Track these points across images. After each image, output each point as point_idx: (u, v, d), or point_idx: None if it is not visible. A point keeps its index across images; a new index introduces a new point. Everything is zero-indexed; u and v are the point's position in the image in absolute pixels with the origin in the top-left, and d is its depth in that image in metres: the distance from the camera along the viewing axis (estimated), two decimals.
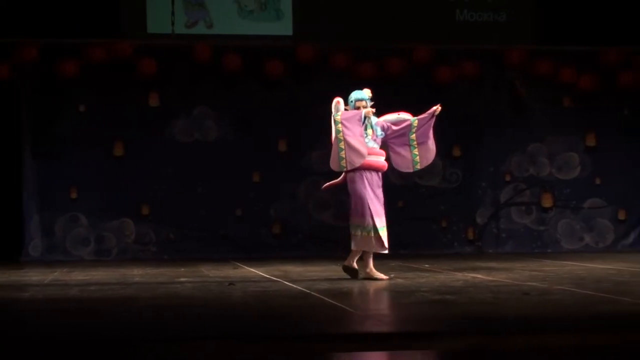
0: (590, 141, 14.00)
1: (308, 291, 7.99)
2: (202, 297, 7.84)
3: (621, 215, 13.97)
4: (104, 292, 8.30)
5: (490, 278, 9.12)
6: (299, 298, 7.61)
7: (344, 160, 9.04)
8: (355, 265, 9.22)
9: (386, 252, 9.18)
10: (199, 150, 13.28)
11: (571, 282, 8.49)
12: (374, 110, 9.25)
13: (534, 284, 8.40)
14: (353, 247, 9.19)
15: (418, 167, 9.40)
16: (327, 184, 9.53)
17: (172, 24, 13.28)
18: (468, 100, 13.77)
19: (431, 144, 9.37)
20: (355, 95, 9.27)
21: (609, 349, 5.22)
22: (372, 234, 9.06)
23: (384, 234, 9.07)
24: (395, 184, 13.59)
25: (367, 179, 9.12)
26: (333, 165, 9.14)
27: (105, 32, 13.13)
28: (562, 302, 7.07)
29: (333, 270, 10.45)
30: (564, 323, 6.04)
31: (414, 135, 9.27)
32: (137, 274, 10.24)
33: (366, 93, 9.28)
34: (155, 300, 7.61)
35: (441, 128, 13.32)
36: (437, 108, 9.30)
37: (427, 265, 10.77)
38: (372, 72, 13.28)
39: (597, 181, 13.99)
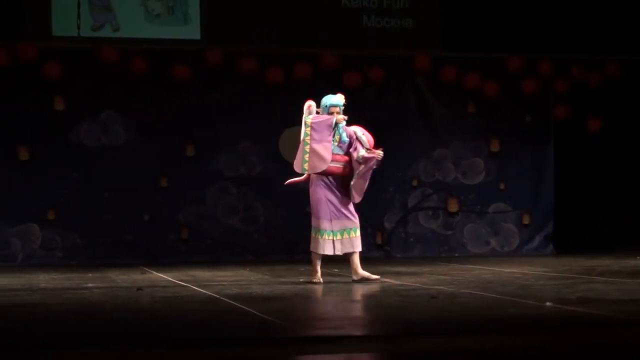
0: (495, 147, 14.22)
1: (217, 296, 7.97)
2: (110, 302, 7.76)
3: (525, 220, 14.21)
4: (8, 298, 8.16)
5: (398, 282, 9.20)
6: (208, 303, 7.59)
7: (307, 164, 9.15)
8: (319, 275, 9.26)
9: (330, 254, 9.18)
10: (105, 155, 13.14)
11: (478, 285, 8.61)
12: (346, 117, 9.25)
13: (441, 287, 8.50)
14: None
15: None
16: (290, 180, 9.51)
17: (78, 27, 13.13)
18: (375, 105, 13.87)
19: (363, 183, 9.32)
20: (329, 100, 9.28)
21: (515, 351, 5.31)
22: (319, 236, 9.13)
23: (330, 237, 9.12)
24: (304, 190, 13.61)
25: (326, 183, 9.18)
26: (297, 166, 9.24)
27: (9, 34, 12.92)
28: (469, 305, 7.16)
29: (242, 275, 10.45)
30: (471, 326, 6.13)
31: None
32: (43, 279, 10.08)
33: (340, 99, 9.29)
34: (62, 306, 7.51)
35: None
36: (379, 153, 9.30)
37: (336, 270, 10.80)
38: (280, 77, 13.33)
39: (502, 186, 14.21)
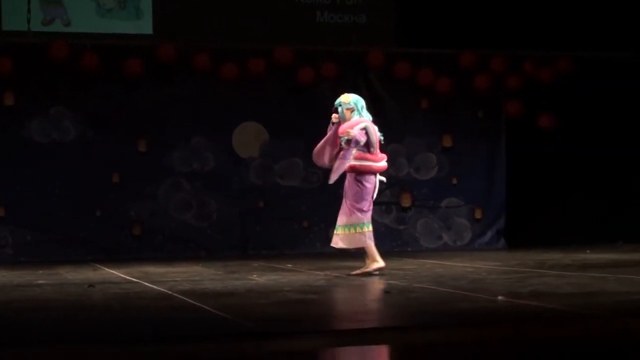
0: (447, 142, 14.28)
1: (170, 292, 7.93)
2: (61, 299, 7.69)
3: (477, 214, 14.30)
4: None
5: (352, 277, 9.20)
6: (160, 299, 7.54)
7: None
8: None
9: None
10: (56, 151, 13.01)
11: (430, 280, 8.63)
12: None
13: (394, 282, 8.51)
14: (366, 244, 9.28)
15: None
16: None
17: (28, 21, 13.00)
18: (328, 101, 13.82)
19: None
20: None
21: (468, 345, 5.33)
22: (370, 229, 9.33)
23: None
24: (256, 184, 13.63)
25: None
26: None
27: None
28: (422, 299, 7.18)
29: (195, 271, 10.40)
30: (424, 320, 6.15)
31: None
32: None
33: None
34: (13, 304, 7.43)
35: (301, 129, 13.49)
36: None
37: (289, 265, 10.81)
38: (234, 73, 13.28)
39: (454, 181, 14.28)
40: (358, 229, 9.23)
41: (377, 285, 8.30)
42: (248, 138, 13.69)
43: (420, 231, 14.20)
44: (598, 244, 13.21)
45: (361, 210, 9.26)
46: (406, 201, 14.11)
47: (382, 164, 9.49)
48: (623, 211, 14.35)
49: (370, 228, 9.29)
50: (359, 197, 9.28)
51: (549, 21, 14.18)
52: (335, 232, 9.39)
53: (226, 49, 13.40)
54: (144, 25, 13.55)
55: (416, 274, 9.42)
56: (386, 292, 7.62)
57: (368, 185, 9.33)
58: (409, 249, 13.91)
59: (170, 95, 13.29)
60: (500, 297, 6.83)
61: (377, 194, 9.60)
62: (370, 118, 9.55)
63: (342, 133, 9.29)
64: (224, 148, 13.54)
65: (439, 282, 8.38)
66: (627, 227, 14.11)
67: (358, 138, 9.21)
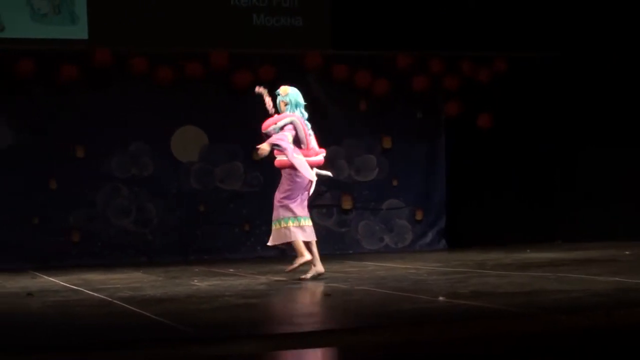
0: (387, 143, 14.33)
1: (110, 299, 7.85)
2: None
3: (418, 216, 14.36)
4: None
5: (292, 280, 9.18)
6: (100, 307, 7.47)
7: None
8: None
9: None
10: None
11: (372, 282, 8.64)
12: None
13: (336, 284, 8.51)
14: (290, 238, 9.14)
15: None
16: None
17: None
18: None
19: None
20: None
21: (408, 346, 5.34)
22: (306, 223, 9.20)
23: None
24: (196, 189, 13.56)
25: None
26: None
27: None
28: (363, 301, 7.19)
29: (135, 277, 10.32)
30: (365, 322, 6.14)
31: None
32: None
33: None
34: None
35: (240, 132, 13.46)
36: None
37: (231, 270, 10.76)
38: (170, 76, 13.22)
39: (394, 183, 14.33)
40: (283, 224, 9.17)
41: (318, 289, 8.28)
42: (187, 142, 13.62)
43: (362, 233, 14.22)
44: (538, 243, 13.34)
45: (285, 206, 9.17)
46: (347, 204, 14.13)
47: (317, 158, 9.42)
48: (562, 210, 14.49)
49: (298, 223, 9.14)
50: (287, 192, 9.22)
51: (484, 21, 14.28)
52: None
53: (162, 52, 13.33)
54: (80, 30, 13.40)
55: (357, 276, 9.42)
56: (327, 295, 7.61)
57: (299, 180, 9.24)
58: (350, 252, 13.91)
59: (107, 100, 13.18)
60: (441, 298, 6.85)
61: (315, 194, 9.56)
62: (304, 116, 9.41)
63: (265, 129, 9.30)
64: (163, 153, 13.46)
65: (380, 284, 8.39)
66: (566, 226, 14.27)
67: (277, 142, 9.16)
